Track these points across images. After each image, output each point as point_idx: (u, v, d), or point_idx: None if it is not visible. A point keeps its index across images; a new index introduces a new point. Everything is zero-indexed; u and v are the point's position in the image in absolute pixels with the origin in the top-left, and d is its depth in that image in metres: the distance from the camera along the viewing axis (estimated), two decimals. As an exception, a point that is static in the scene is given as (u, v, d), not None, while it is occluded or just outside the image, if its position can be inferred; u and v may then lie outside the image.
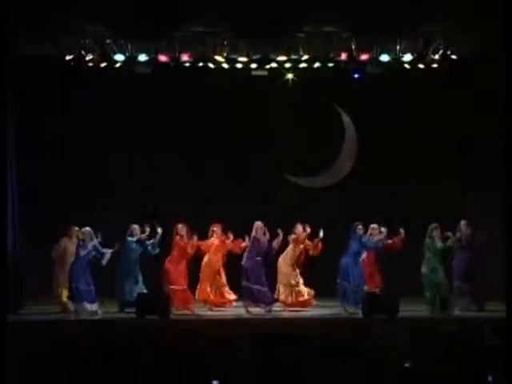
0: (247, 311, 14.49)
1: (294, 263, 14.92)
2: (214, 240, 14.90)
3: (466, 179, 16.64)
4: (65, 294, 14.49)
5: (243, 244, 14.74)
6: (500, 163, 15.37)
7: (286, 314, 14.56)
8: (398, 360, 8.39)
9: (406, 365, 8.36)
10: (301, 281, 14.88)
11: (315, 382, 7.95)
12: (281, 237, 14.64)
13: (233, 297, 14.98)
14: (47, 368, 8.18)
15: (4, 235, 13.55)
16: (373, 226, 14.74)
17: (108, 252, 14.38)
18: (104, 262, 14.40)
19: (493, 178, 15.71)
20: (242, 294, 14.64)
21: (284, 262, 14.93)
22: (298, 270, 14.92)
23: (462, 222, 14.88)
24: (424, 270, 14.46)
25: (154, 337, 9.40)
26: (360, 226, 14.66)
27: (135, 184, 16.44)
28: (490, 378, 8.11)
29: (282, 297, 14.82)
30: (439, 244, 14.45)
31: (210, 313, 14.70)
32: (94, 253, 14.31)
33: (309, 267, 15.02)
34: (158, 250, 14.78)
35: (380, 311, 13.63)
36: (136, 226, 14.73)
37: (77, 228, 14.63)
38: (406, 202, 16.28)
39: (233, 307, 14.98)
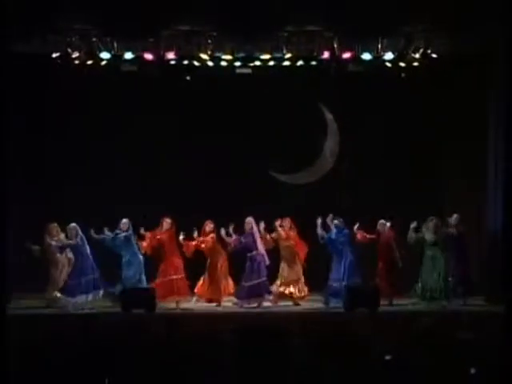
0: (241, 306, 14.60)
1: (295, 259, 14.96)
2: (201, 239, 14.85)
3: (447, 175, 16.77)
4: (51, 290, 14.59)
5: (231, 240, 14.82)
6: (479, 160, 15.59)
7: (269, 309, 14.59)
8: (379, 353, 8.47)
9: (387, 357, 8.44)
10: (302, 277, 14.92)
11: (299, 375, 8.02)
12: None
13: (218, 297, 14.92)
14: (38, 360, 8.22)
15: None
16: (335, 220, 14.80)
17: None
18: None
19: (474, 175, 15.88)
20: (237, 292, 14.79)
21: (285, 257, 14.96)
22: (299, 266, 14.94)
23: (455, 216, 14.93)
24: (424, 261, 14.64)
25: (141, 331, 9.44)
26: (336, 221, 14.71)
27: (125, 181, 16.45)
28: (472, 371, 8.21)
29: (280, 290, 14.85)
30: (433, 236, 14.60)
31: (195, 306, 14.72)
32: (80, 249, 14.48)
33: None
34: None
35: (361, 305, 13.71)
36: (125, 221, 14.74)
37: (55, 224, 14.68)
38: (388, 197, 16.38)
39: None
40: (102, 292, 14.63)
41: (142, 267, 14.75)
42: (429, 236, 14.61)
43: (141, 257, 14.75)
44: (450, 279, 14.61)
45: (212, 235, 14.83)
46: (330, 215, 14.64)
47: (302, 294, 14.87)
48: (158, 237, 14.68)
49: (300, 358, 8.39)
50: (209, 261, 14.95)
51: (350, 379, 7.99)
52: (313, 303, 14.88)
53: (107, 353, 8.46)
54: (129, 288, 14.42)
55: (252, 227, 14.77)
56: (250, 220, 14.81)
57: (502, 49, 13.99)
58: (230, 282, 14.97)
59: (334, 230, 14.63)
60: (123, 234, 14.70)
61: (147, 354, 8.44)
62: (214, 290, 14.87)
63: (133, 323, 10.00)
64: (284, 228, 14.89)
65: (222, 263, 14.95)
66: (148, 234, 14.71)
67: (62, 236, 14.74)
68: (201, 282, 14.89)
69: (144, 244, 14.72)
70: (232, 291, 14.92)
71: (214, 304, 14.83)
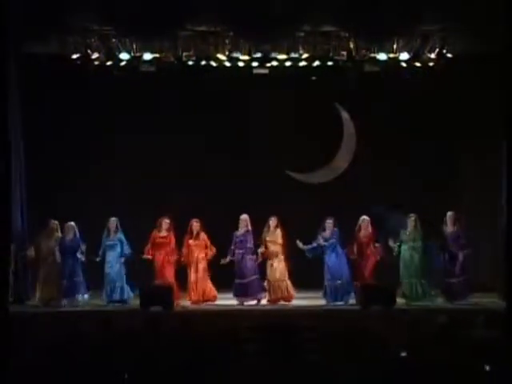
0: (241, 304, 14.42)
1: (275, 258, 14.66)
2: (188, 242, 14.62)
3: (461, 175, 16.60)
4: (45, 290, 14.30)
5: (213, 250, 14.59)
6: (493, 160, 15.38)
7: (287, 305, 14.41)
8: (394, 350, 8.33)
9: (403, 354, 8.30)
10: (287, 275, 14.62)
11: (314, 371, 7.86)
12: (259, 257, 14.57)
13: (213, 294, 14.66)
14: (55, 357, 8.10)
15: (8, 229, 13.39)
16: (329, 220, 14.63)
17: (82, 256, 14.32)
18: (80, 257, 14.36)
19: (487, 174, 15.69)
20: (233, 290, 14.57)
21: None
22: (284, 265, 14.63)
23: (449, 214, 14.60)
24: (401, 260, 14.51)
25: (159, 327, 9.34)
26: (330, 221, 14.56)
27: (136, 180, 16.34)
28: (487, 368, 8.04)
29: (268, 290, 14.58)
30: (412, 232, 14.47)
31: (210, 304, 14.53)
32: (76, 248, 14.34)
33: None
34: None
35: (377, 302, 13.54)
36: (113, 219, 14.55)
37: (56, 222, 14.45)
38: (403, 196, 16.12)
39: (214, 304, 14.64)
40: (88, 295, 14.43)
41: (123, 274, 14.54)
42: (407, 233, 14.48)
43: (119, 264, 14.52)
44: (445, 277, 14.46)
45: (204, 236, 14.61)
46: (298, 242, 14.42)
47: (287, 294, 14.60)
48: (160, 238, 14.51)
49: (316, 354, 8.26)
50: (200, 261, 14.61)
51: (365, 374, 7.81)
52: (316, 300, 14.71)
53: (122, 350, 8.32)
54: (147, 286, 14.27)
55: (247, 224, 14.56)
56: (245, 217, 14.60)
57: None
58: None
59: (321, 239, 14.52)
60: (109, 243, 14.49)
61: (163, 351, 8.29)
62: (208, 289, 14.60)
63: (148, 321, 9.85)
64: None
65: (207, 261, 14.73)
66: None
67: (59, 234, 14.48)
68: (192, 287, 14.55)
69: (148, 247, 14.47)
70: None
71: (212, 303, 14.57)
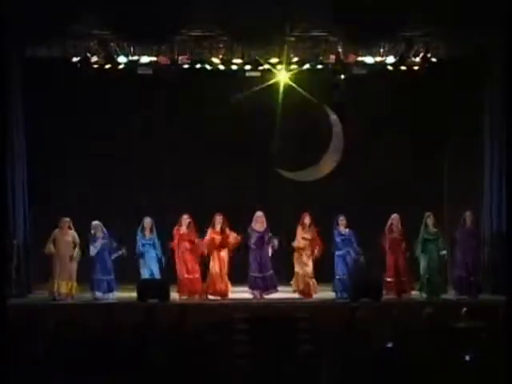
0: (260, 297, 14.34)
1: (305, 254, 14.61)
2: (212, 234, 14.50)
3: (446, 173, 16.65)
4: (62, 285, 14.09)
5: (238, 238, 14.49)
6: (477, 159, 15.43)
7: (279, 299, 14.30)
8: (381, 340, 8.38)
9: (389, 345, 8.36)
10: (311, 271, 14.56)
11: (308, 359, 7.91)
12: (275, 245, 14.41)
13: (229, 288, 14.55)
14: (55, 350, 8.11)
15: (5, 221, 13.26)
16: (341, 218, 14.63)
17: (120, 252, 14.20)
18: (113, 257, 14.25)
19: (471, 174, 15.71)
20: (248, 283, 14.49)
21: (297, 252, 14.63)
22: (310, 261, 14.57)
23: (467, 213, 14.58)
24: (418, 255, 14.46)
25: (156, 319, 9.36)
26: (341, 218, 14.58)
27: (138, 179, 16.33)
28: (467, 358, 8.10)
29: (294, 285, 14.56)
30: (433, 230, 14.43)
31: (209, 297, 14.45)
32: (105, 246, 14.19)
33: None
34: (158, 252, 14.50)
35: (365, 295, 13.59)
36: (148, 220, 14.49)
37: (68, 219, 14.26)
38: (387, 194, 16.15)
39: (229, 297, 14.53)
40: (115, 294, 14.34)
41: None
42: (427, 232, 14.42)
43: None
44: (458, 272, 14.43)
45: (227, 229, 14.54)
46: None
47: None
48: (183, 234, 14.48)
49: (308, 344, 8.31)
50: (223, 255, 14.55)
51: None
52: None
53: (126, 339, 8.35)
54: (144, 280, 14.25)
55: (263, 222, 14.52)
56: (262, 214, 14.54)
57: (496, 51, 13.98)
58: None
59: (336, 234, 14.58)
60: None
61: (161, 341, 8.32)
62: (225, 283, 14.50)
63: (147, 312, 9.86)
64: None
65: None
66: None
67: (73, 232, 14.31)
68: (211, 279, 14.44)
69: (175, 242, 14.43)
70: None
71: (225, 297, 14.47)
